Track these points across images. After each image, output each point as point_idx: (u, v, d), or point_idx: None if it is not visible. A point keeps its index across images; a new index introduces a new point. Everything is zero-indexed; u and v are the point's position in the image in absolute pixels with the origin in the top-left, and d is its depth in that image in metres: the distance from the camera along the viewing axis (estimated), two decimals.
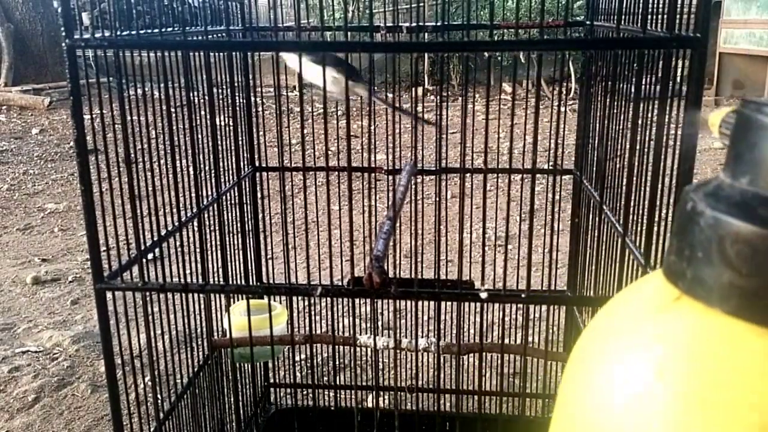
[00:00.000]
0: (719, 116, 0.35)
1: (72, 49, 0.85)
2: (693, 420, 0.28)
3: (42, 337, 2.27)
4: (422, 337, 1.13)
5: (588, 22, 1.33)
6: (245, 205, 1.46)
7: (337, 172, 1.42)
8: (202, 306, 1.18)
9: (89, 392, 1.94)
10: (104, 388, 1.83)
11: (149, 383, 1.03)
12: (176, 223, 1.10)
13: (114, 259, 0.97)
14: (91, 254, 0.93)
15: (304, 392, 1.74)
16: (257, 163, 1.53)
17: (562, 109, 1.23)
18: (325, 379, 1.95)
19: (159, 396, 1.07)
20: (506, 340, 1.16)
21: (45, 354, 2.16)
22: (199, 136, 1.09)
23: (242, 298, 1.34)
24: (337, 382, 1.69)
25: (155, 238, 1.05)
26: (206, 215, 1.18)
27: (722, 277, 0.29)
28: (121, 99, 0.91)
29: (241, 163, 1.43)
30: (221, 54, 1.29)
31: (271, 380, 1.70)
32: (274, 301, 1.37)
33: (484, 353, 1.16)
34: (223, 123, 1.28)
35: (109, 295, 0.96)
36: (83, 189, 0.90)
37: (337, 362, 1.91)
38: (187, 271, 1.07)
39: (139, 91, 0.98)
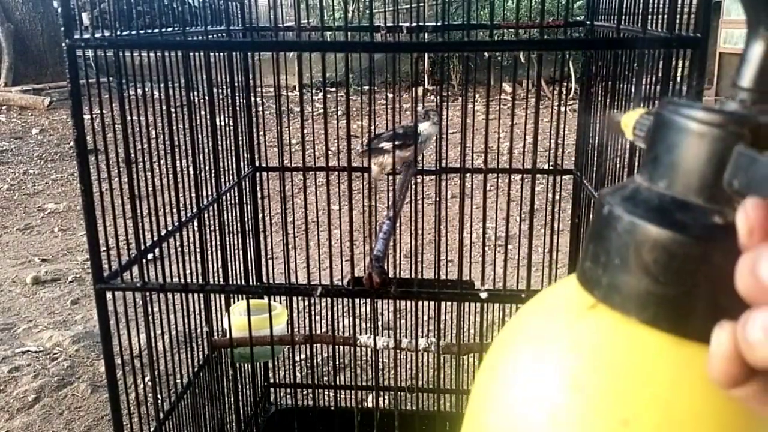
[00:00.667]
0: (633, 117, 0.33)
1: (72, 49, 0.85)
2: None
3: (42, 337, 2.27)
4: (422, 337, 1.13)
5: (588, 22, 1.33)
6: (245, 205, 1.46)
7: (337, 172, 1.42)
8: (202, 306, 1.18)
9: (89, 392, 1.94)
10: (104, 388, 1.83)
11: (149, 383, 1.03)
12: (176, 223, 1.10)
13: (114, 259, 0.97)
14: (91, 254, 0.93)
15: (304, 392, 1.74)
16: (257, 163, 1.53)
17: (562, 109, 1.23)
18: (325, 379, 1.95)
19: (159, 396, 1.07)
20: None
21: (45, 354, 2.16)
22: (199, 136, 1.09)
23: (242, 298, 1.34)
24: (337, 382, 1.69)
25: (155, 238, 1.05)
26: (206, 215, 1.18)
27: (639, 284, 0.28)
28: (121, 99, 0.91)
29: (241, 163, 1.43)
30: (221, 54, 1.29)
31: (271, 380, 1.70)
32: (274, 301, 1.37)
33: (484, 353, 1.16)
34: (223, 123, 1.28)
35: (109, 295, 0.96)
36: (83, 189, 0.90)
37: (337, 362, 1.91)
38: (187, 271, 1.07)
39: (139, 91, 0.98)
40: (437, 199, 1.01)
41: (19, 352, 2.18)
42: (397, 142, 1.26)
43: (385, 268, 0.95)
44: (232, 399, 1.38)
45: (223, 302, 1.33)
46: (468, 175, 1.26)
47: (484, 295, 0.89)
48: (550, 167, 1.32)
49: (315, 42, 1.08)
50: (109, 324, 0.97)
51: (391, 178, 1.32)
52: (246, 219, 1.47)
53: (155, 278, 0.99)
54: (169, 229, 1.09)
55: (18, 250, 3.13)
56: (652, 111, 0.32)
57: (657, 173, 0.29)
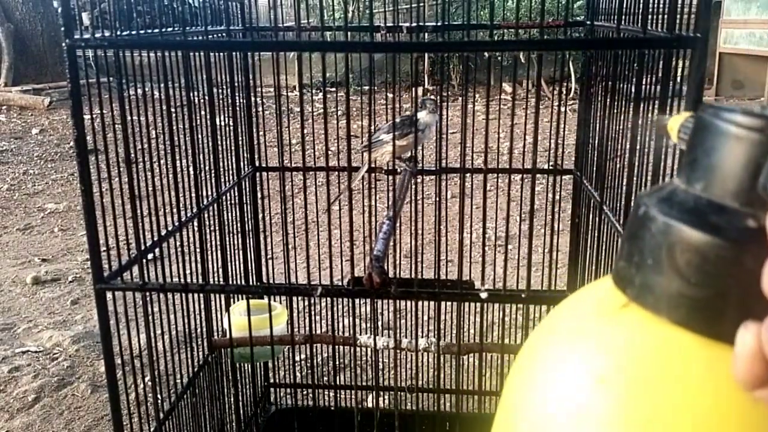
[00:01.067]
0: (679, 121, 0.34)
1: (72, 49, 0.85)
2: None
3: (42, 337, 2.27)
4: (422, 337, 1.13)
5: (588, 22, 1.33)
6: (245, 205, 1.46)
7: (337, 172, 1.42)
8: (202, 306, 1.18)
9: (89, 392, 1.94)
10: (104, 388, 1.83)
11: (149, 383, 1.03)
12: (176, 223, 1.10)
13: (114, 259, 0.97)
14: (91, 254, 0.93)
15: (304, 392, 1.74)
16: (257, 163, 1.53)
17: (562, 109, 1.23)
18: (325, 379, 1.95)
19: (159, 396, 1.07)
20: (506, 340, 1.16)
21: (45, 354, 2.16)
22: (199, 136, 1.09)
23: (242, 298, 1.34)
24: (337, 382, 1.69)
25: (155, 238, 1.05)
26: (206, 215, 1.18)
27: (671, 285, 0.28)
28: (121, 99, 0.91)
29: (241, 163, 1.43)
30: (221, 54, 1.29)
31: (271, 380, 1.70)
32: (274, 301, 1.37)
33: (484, 353, 1.16)
34: (223, 123, 1.28)
35: (109, 295, 0.96)
36: (83, 189, 0.90)
37: (337, 362, 1.91)
38: (187, 271, 1.07)
39: (139, 91, 0.98)
40: (437, 199, 1.01)
41: (19, 352, 2.18)
42: (396, 133, 1.26)
43: (385, 268, 0.95)
44: (232, 399, 1.38)
45: (223, 302, 1.33)
46: (468, 175, 1.27)
47: (484, 295, 0.89)
48: (550, 167, 1.32)
49: (315, 42, 1.08)
50: (109, 324, 0.97)
51: (391, 177, 1.32)
52: (246, 219, 1.47)
53: (155, 278, 0.99)
54: (169, 229, 1.09)
55: (18, 250, 3.13)
56: (695, 114, 0.32)
57: (694, 175, 0.30)
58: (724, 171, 0.28)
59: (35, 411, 1.87)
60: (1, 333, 2.32)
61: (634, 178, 0.94)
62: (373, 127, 1.09)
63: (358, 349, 1.34)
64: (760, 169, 0.27)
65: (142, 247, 0.99)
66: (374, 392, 1.76)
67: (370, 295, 0.94)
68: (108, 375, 0.99)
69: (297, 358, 2.00)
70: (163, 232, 1.07)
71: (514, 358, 0.36)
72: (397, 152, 1.29)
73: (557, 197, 1.29)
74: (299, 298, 1.77)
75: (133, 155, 0.95)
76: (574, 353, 0.31)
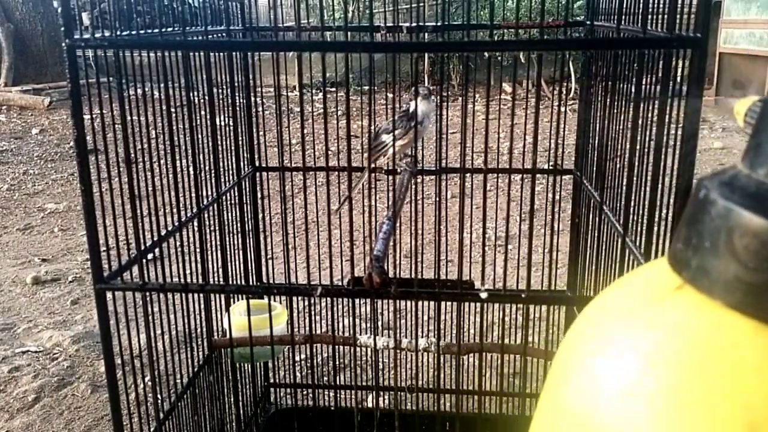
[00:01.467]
0: (746, 104, 0.34)
1: (72, 49, 0.85)
2: (683, 416, 0.27)
3: (42, 337, 2.27)
4: (422, 337, 1.13)
5: (588, 22, 1.33)
6: (245, 205, 1.46)
7: (337, 172, 1.42)
8: (202, 306, 1.18)
9: (89, 392, 1.94)
10: (104, 388, 1.83)
11: (149, 383, 1.03)
12: (176, 223, 1.10)
13: (114, 259, 0.97)
14: (91, 254, 0.93)
15: (304, 392, 1.74)
16: (257, 163, 1.53)
17: (562, 109, 1.23)
18: (325, 379, 1.95)
19: (159, 396, 1.07)
20: (506, 340, 1.15)
21: (45, 354, 2.16)
22: (199, 136, 1.09)
23: (242, 298, 1.34)
24: (337, 382, 1.69)
25: (155, 238, 1.05)
26: (206, 215, 1.18)
27: (728, 269, 0.28)
28: (121, 99, 0.91)
29: (241, 163, 1.43)
30: (221, 54, 1.29)
31: (271, 380, 1.70)
32: (274, 301, 1.37)
33: (484, 353, 1.16)
34: (223, 123, 1.28)
35: (109, 295, 0.96)
36: (83, 189, 0.90)
37: (337, 362, 1.91)
38: (187, 271, 1.07)
39: (139, 91, 0.98)
40: (437, 199, 1.01)
41: (19, 352, 2.18)
42: (396, 132, 1.25)
43: (385, 268, 0.95)
44: (232, 399, 1.38)
45: (223, 302, 1.33)
46: (468, 175, 1.27)
47: (484, 295, 0.89)
48: (550, 167, 1.32)
49: (315, 42, 1.08)
50: (109, 324, 0.97)
51: (390, 177, 1.32)
52: (246, 219, 1.47)
53: (155, 278, 0.99)
54: (169, 229, 1.09)
55: (18, 250, 3.13)
56: (764, 99, 0.32)
57: (759, 160, 0.30)
58: None
59: (35, 411, 1.87)
60: (1, 333, 2.32)
61: (634, 178, 0.94)
62: (373, 127, 1.09)
63: (358, 349, 1.34)
64: None
65: (142, 247, 0.99)
66: (374, 392, 1.76)
67: (370, 295, 0.94)
68: (108, 375, 0.99)
69: (297, 358, 2.00)
70: (163, 232, 1.07)
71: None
72: (398, 151, 1.29)
73: (557, 197, 1.29)
74: (299, 298, 1.77)
75: (133, 155, 0.95)
76: (625, 334, 0.31)
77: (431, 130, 1.36)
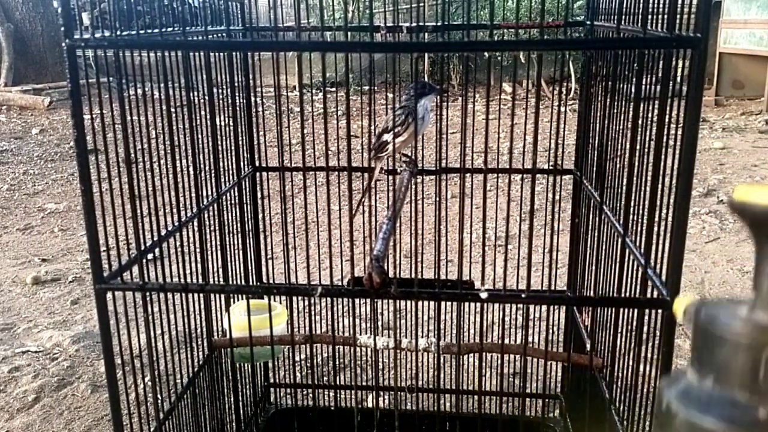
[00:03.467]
0: (684, 302, 0.38)
1: (72, 49, 0.85)
2: None
3: (42, 337, 2.27)
4: (422, 337, 1.13)
5: (588, 22, 1.33)
6: (245, 205, 1.46)
7: (337, 172, 1.42)
8: (202, 306, 1.18)
9: (89, 392, 1.94)
10: (104, 388, 1.83)
11: (149, 383, 1.03)
12: (176, 223, 1.10)
13: (114, 259, 0.97)
14: (91, 254, 0.93)
15: (304, 392, 1.74)
16: (257, 163, 1.53)
17: (562, 109, 1.23)
18: (325, 379, 1.95)
19: (159, 396, 1.07)
20: (506, 340, 1.16)
21: (45, 354, 2.16)
22: (199, 135, 1.09)
23: (242, 298, 1.34)
24: (337, 382, 1.69)
25: (155, 238, 1.05)
26: (206, 215, 1.18)
27: None
28: (121, 99, 0.91)
29: (241, 163, 1.43)
30: (221, 54, 1.29)
31: (271, 380, 1.70)
32: (274, 301, 1.37)
33: (484, 353, 1.16)
34: (223, 123, 1.28)
35: (108, 295, 0.96)
36: (83, 189, 0.90)
37: (337, 362, 1.91)
38: (187, 271, 1.07)
39: (139, 91, 0.98)
40: (437, 199, 1.01)
41: (19, 352, 2.18)
42: (396, 129, 1.24)
43: (385, 268, 0.95)
44: (231, 399, 1.38)
45: (223, 302, 1.33)
46: (468, 175, 1.27)
47: (484, 295, 0.89)
48: (550, 167, 1.32)
49: (315, 42, 1.08)
50: (109, 324, 0.97)
51: (391, 178, 1.32)
52: (246, 219, 1.47)
53: (155, 278, 0.99)
54: (169, 229, 1.09)
55: (18, 250, 3.13)
56: (694, 306, 0.37)
57: (704, 370, 0.35)
58: (729, 368, 0.33)
59: (35, 411, 1.87)
60: (1, 333, 2.32)
61: (634, 178, 0.94)
62: (373, 128, 1.09)
63: (358, 349, 1.34)
64: (759, 364, 0.32)
65: (142, 248, 0.99)
66: (374, 392, 1.76)
67: (369, 295, 0.94)
68: (108, 375, 0.99)
69: (297, 358, 2.00)
70: (163, 232, 1.07)
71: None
72: (398, 148, 1.28)
73: (557, 197, 1.29)
74: (299, 298, 1.77)
75: (133, 155, 0.95)
76: None
77: (431, 125, 1.35)
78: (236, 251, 1.43)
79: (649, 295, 0.93)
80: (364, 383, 1.85)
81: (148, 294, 0.98)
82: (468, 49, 0.92)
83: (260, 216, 1.53)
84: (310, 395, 1.74)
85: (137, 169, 0.96)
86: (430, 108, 1.31)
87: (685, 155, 0.81)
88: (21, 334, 2.31)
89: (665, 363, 0.88)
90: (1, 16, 7.63)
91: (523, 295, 0.91)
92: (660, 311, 0.90)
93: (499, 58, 5.92)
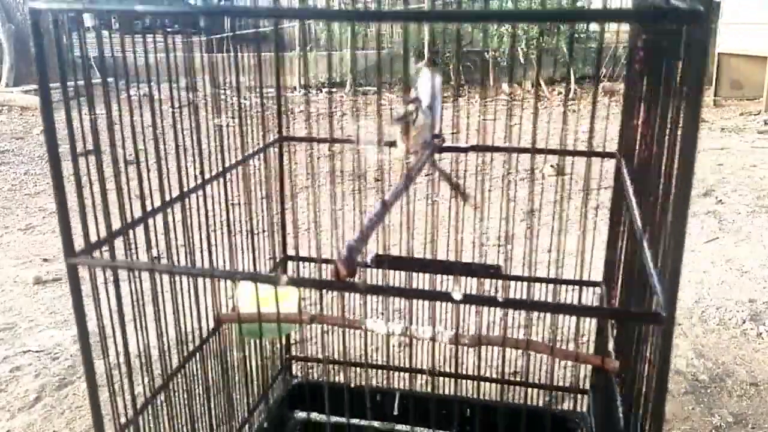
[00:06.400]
0: None
1: (35, 14, 0.83)
2: None
3: (43, 337, 2.27)
4: (438, 325, 1.09)
5: None
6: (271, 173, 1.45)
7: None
8: (200, 288, 1.14)
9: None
10: (105, 387, 1.83)
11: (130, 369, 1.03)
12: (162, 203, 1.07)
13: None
14: (62, 229, 0.89)
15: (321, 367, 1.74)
16: (284, 133, 1.54)
17: (562, 109, 1.23)
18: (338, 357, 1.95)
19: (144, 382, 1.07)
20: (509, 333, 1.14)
21: (46, 353, 2.17)
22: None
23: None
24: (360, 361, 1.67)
25: (141, 214, 1.03)
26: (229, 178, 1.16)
27: None
28: (110, 98, 0.91)
29: (268, 133, 1.45)
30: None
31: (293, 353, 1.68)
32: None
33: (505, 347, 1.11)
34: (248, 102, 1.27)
35: (84, 271, 0.94)
36: (52, 164, 0.88)
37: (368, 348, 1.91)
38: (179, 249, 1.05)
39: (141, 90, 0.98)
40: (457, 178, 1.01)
41: (20, 352, 2.18)
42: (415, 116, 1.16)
43: (359, 258, 0.88)
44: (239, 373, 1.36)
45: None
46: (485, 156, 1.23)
47: (457, 297, 0.82)
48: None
49: (320, 11, 1.08)
50: (81, 300, 0.96)
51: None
52: (273, 188, 1.46)
53: (143, 254, 0.98)
54: (155, 206, 1.07)
55: (19, 250, 3.13)
56: None
57: None
58: None
59: (36, 410, 1.87)
60: (3, 332, 2.32)
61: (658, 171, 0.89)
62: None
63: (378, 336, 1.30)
64: None
65: (128, 220, 0.98)
66: (391, 373, 1.76)
67: (336, 287, 0.88)
68: (83, 354, 0.97)
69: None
70: (149, 209, 1.05)
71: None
72: (412, 145, 1.18)
73: (557, 197, 1.30)
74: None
75: (130, 154, 0.95)
76: None
77: (440, 102, 1.27)
78: (261, 220, 1.39)
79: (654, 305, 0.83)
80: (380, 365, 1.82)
81: (137, 273, 0.96)
82: (483, 19, 0.87)
83: (288, 185, 1.52)
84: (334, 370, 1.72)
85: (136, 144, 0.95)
86: (436, 89, 1.26)
87: (685, 158, 0.72)
88: (22, 334, 2.31)
89: (660, 380, 0.79)
90: (3, 17, 7.63)
91: (499, 300, 0.81)
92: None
93: (499, 58, 5.92)
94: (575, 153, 1.39)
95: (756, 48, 6.19)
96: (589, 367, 1.60)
